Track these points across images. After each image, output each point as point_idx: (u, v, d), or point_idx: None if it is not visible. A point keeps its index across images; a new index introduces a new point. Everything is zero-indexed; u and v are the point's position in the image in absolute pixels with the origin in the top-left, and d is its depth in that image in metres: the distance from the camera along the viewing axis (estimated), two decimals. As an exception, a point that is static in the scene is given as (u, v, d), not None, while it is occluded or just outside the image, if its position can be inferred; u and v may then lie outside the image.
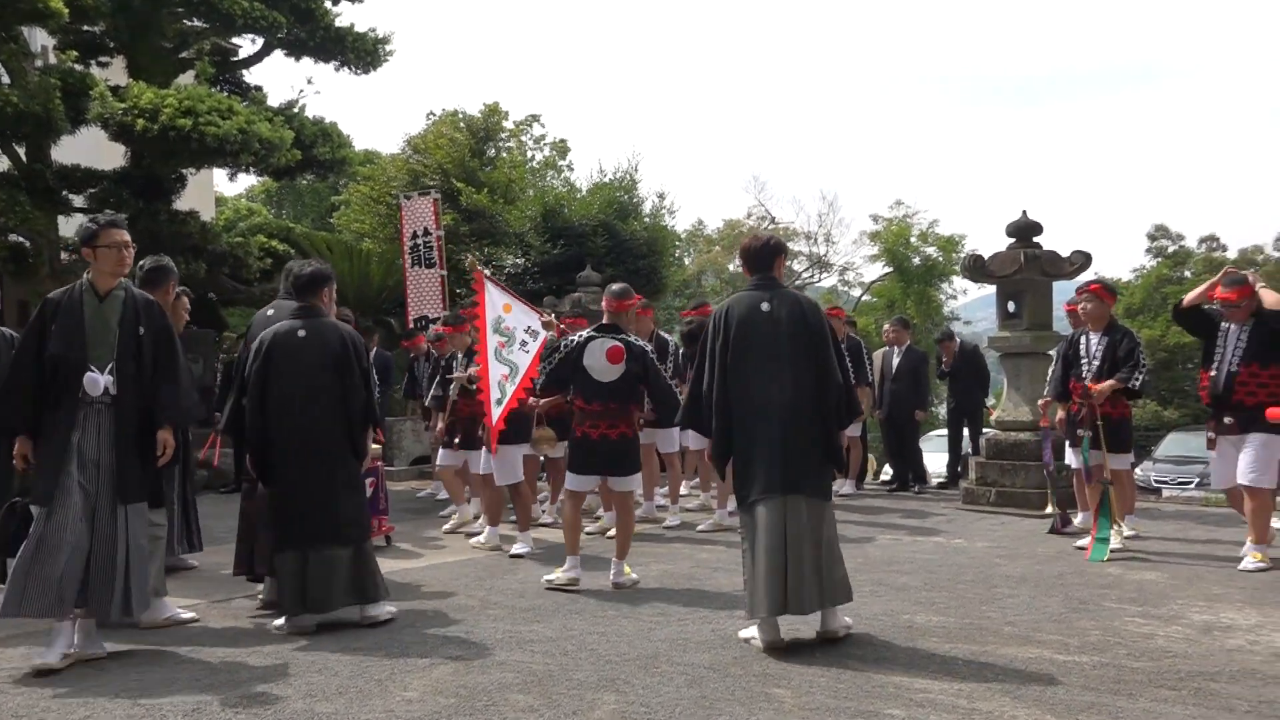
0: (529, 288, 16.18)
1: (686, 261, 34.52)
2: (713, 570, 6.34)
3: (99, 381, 4.48)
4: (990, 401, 11.52)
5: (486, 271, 7.16)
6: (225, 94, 13.18)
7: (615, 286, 6.37)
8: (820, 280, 36.02)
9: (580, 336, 6.04)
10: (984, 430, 11.10)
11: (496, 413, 6.58)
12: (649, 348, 6.02)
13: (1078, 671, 4.11)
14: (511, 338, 6.68)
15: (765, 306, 4.68)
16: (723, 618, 5.06)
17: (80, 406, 4.47)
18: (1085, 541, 7.04)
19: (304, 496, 4.95)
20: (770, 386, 4.60)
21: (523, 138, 23.79)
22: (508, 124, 21.47)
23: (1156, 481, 16.75)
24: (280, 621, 4.91)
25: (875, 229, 33.84)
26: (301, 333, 5.09)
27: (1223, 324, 6.44)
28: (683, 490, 9.15)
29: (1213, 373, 6.38)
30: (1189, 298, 6.92)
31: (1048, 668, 4.17)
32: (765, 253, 4.87)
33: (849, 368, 4.90)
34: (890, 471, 11.91)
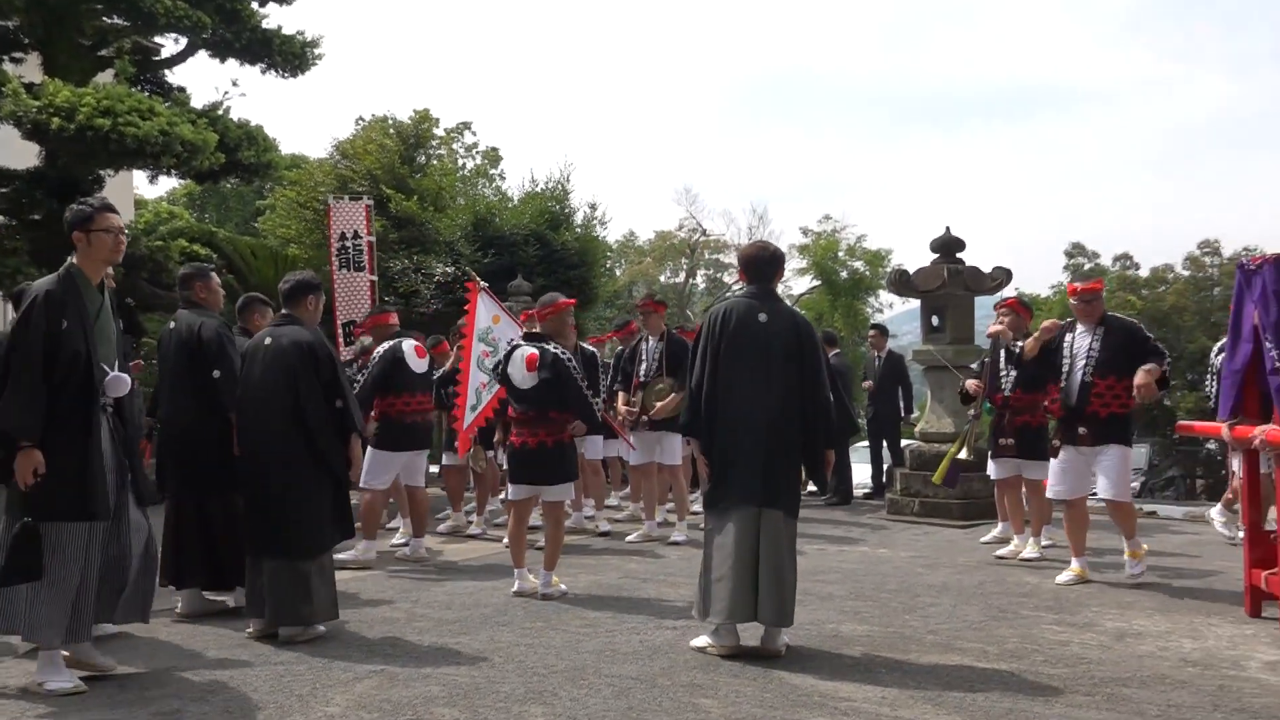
0: (458, 296, 16.01)
1: (618, 272, 34.58)
2: (642, 581, 6.35)
3: (124, 381, 4.24)
4: (915, 414, 11.72)
5: (482, 284, 7.37)
6: (146, 94, 12.80)
7: (545, 296, 6.48)
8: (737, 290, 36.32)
9: (511, 345, 6.16)
10: (902, 441, 11.31)
11: (469, 418, 7.01)
12: (564, 355, 5.95)
13: (997, 678, 4.20)
14: (496, 348, 6.94)
15: (763, 317, 4.69)
16: (651, 628, 5.07)
17: (95, 410, 4.12)
18: (1004, 551, 7.21)
19: (257, 506, 5.01)
20: (759, 397, 4.62)
21: (454, 145, 23.65)
22: (438, 131, 21.31)
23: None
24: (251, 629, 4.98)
25: (804, 242, 34.31)
26: (268, 340, 5.11)
27: (1067, 335, 6.30)
28: (612, 501, 9.14)
29: (1063, 383, 6.22)
30: (1030, 348, 6.47)
31: (968, 675, 4.25)
32: (768, 262, 4.91)
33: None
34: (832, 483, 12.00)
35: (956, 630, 5.04)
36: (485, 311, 7.17)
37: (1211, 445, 20.65)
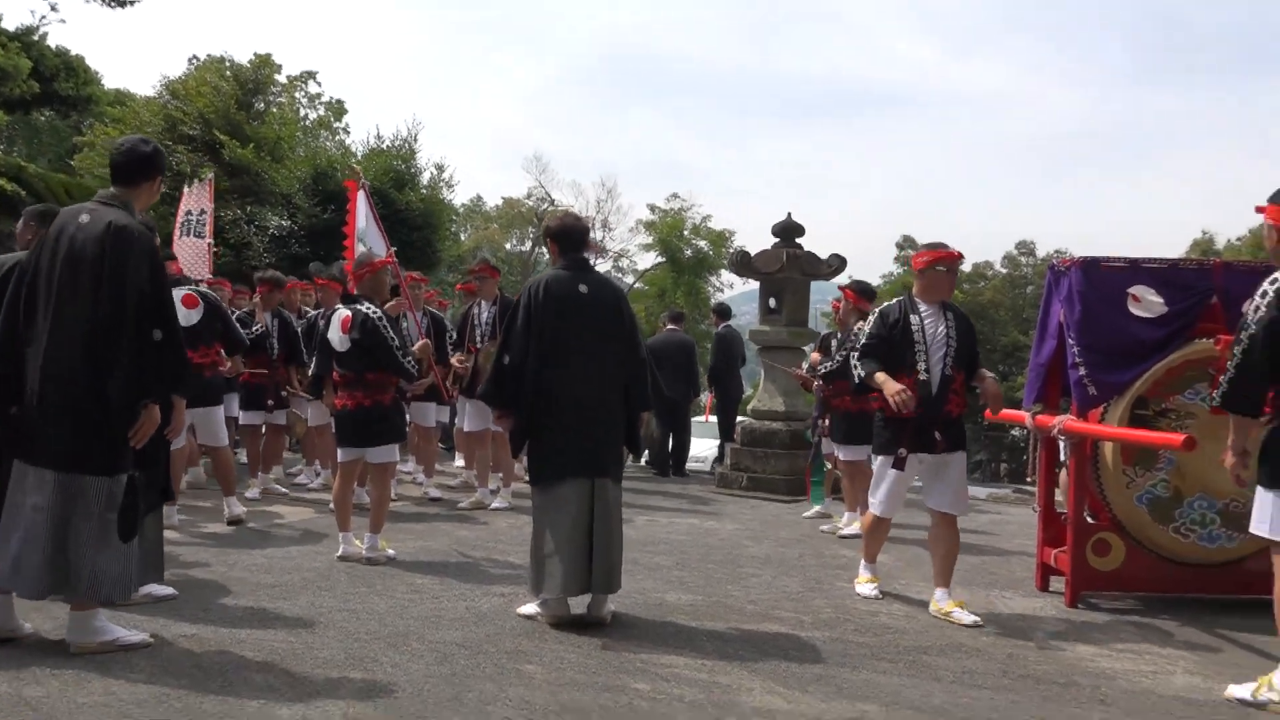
0: (294, 251, 15.45)
1: (463, 237, 34.06)
2: (471, 548, 6.31)
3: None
4: (748, 391, 12.06)
5: (364, 180, 7.37)
6: (-53, 9, 11.72)
7: (361, 255, 6.47)
8: (596, 265, 36.47)
9: (333, 310, 6.18)
10: (740, 418, 11.63)
11: None
12: (375, 315, 5.84)
13: (810, 646, 4.39)
14: (370, 253, 6.88)
15: (583, 289, 4.69)
16: (478, 595, 5.05)
17: None
18: (828, 527, 7.52)
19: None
20: (588, 369, 4.63)
21: (295, 94, 22.68)
22: (280, 78, 20.37)
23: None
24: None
25: (651, 219, 34.66)
26: (82, 219, 3.91)
27: (912, 319, 5.12)
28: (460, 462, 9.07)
29: (921, 376, 5.01)
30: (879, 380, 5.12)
31: (784, 643, 4.43)
32: (584, 233, 4.96)
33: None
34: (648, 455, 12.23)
35: (775, 600, 5.24)
36: (363, 212, 7.17)
37: (1016, 432, 22.08)
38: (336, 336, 5.90)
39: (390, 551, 5.88)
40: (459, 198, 34.83)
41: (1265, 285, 3.77)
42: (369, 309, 5.87)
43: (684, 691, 3.68)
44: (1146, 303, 5.25)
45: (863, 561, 5.57)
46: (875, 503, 5.31)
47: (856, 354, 5.31)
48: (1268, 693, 3.73)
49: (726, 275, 33.50)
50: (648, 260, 36.22)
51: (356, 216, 7.21)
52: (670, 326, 11.66)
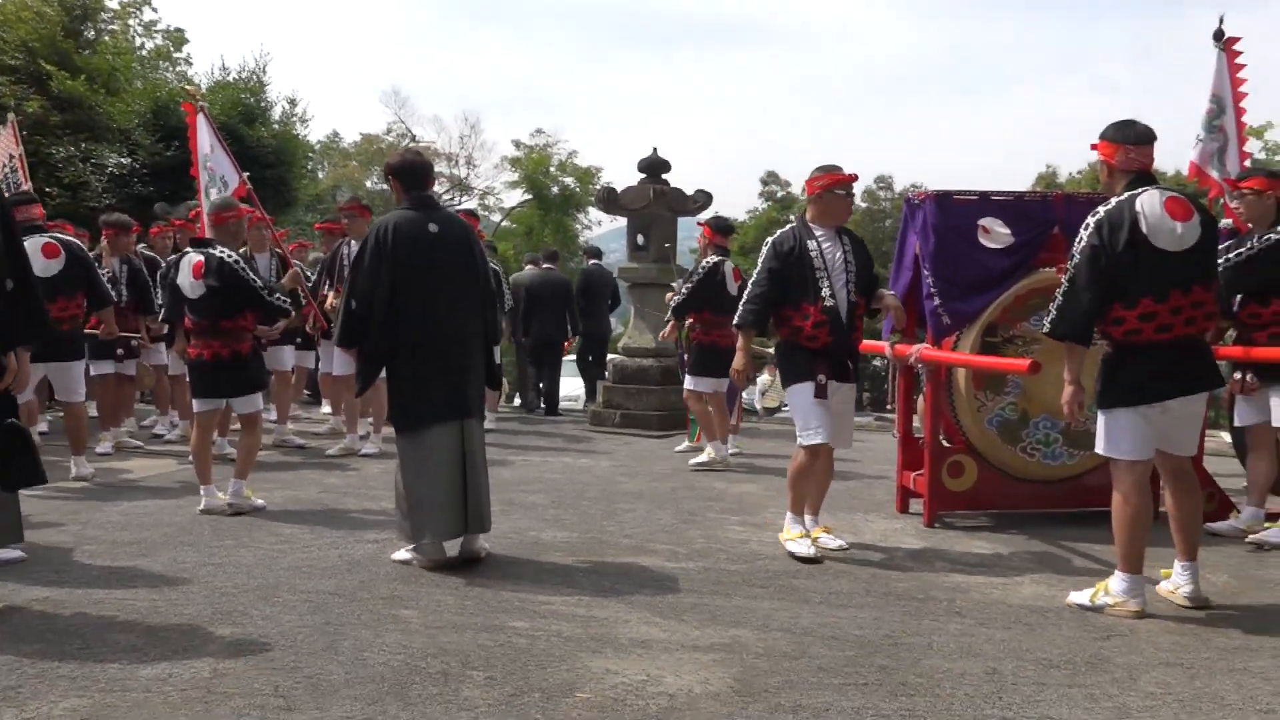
0: (137, 191, 14.59)
1: (320, 175, 32.81)
2: (341, 495, 6.19)
3: None
4: (618, 329, 12.12)
5: (201, 103, 6.94)
6: None
7: (220, 200, 6.19)
8: (460, 203, 35.75)
9: (180, 252, 6.04)
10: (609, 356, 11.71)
11: None
12: (232, 258, 5.64)
13: (684, 576, 4.50)
14: (214, 179, 6.61)
15: (433, 228, 4.57)
16: (350, 543, 4.97)
17: None
18: (698, 459, 7.67)
19: None
20: (446, 310, 4.54)
21: (130, 21, 21.22)
22: (111, 4, 19.02)
23: (749, 404, 18.57)
24: None
25: (516, 155, 34.08)
26: None
27: (810, 245, 4.87)
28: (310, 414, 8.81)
29: (828, 303, 4.78)
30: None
31: (659, 574, 4.52)
32: (428, 170, 4.83)
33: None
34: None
35: (650, 534, 5.34)
36: (205, 136, 6.76)
37: (877, 362, 22.89)
38: (188, 282, 5.65)
39: (258, 500, 5.73)
40: (314, 134, 33.47)
41: (1089, 218, 3.99)
42: (224, 252, 5.63)
43: (561, 627, 3.73)
44: (995, 234, 5.49)
45: (789, 514, 4.99)
46: (808, 434, 4.82)
47: (747, 293, 5.01)
48: (1104, 597, 4.02)
49: (595, 212, 33.37)
50: (514, 198, 35.71)
51: (199, 142, 6.76)
52: (546, 265, 11.55)
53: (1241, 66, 6.29)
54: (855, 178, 5.05)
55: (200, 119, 6.82)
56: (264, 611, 3.84)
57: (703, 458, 7.57)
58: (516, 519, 5.59)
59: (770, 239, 5.06)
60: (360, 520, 5.51)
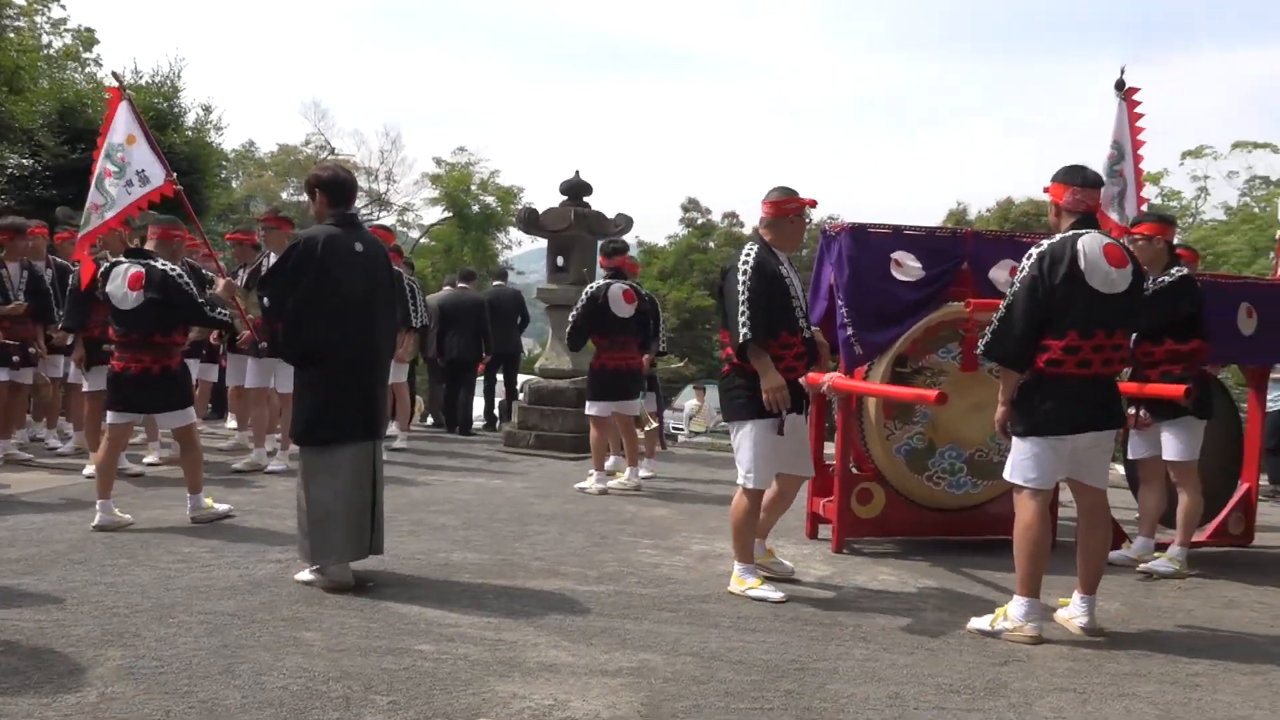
0: (39, 194, 14.06)
1: (235, 184, 32.08)
2: (245, 512, 6.01)
3: None
4: (536, 349, 12.09)
5: (129, 92, 6.50)
6: None
7: (165, 218, 6.04)
8: (379, 219, 35.30)
9: (111, 262, 5.77)
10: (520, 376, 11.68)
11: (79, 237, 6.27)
12: (175, 272, 5.64)
13: (594, 599, 4.48)
14: (123, 170, 6.18)
15: (359, 247, 4.53)
16: (252, 562, 4.83)
17: None
18: (580, 484, 7.56)
19: None
20: (365, 330, 4.52)
21: (37, 18, 20.54)
22: (18, 0, 18.37)
23: (674, 428, 18.66)
24: None
25: (437, 172, 33.83)
26: None
27: (783, 272, 4.66)
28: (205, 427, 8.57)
29: (806, 335, 4.75)
30: None
31: (569, 597, 4.49)
32: (353, 187, 4.82)
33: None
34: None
35: (561, 556, 5.30)
36: (123, 125, 6.29)
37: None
38: (122, 293, 5.53)
39: (221, 506, 5.77)
40: (229, 142, 32.79)
41: (1031, 249, 4.16)
42: (166, 265, 5.61)
43: (469, 651, 3.67)
44: (907, 268, 5.63)
45: (740, 566, 4.66)
46: (755, 476, 4.59)
47: (745, 309, 4.48)
48: (1003, 622, 4.13)
49: (515, 232, 33.24)
50: (434, 214, 35.40)
51: (113, 129, 6.20)
52: (460, 285, 11.60)
53: (1140, 115, 6.59)
54: (815, 203, 4.83)
55: (124, 106, 6.32)
56: (158, 633, 3.70)
57: (585, 484, 7.50)
58: (426, 540, 5.50)
59: (747, 260, 4.59)
60: (264, 538, 5.36)
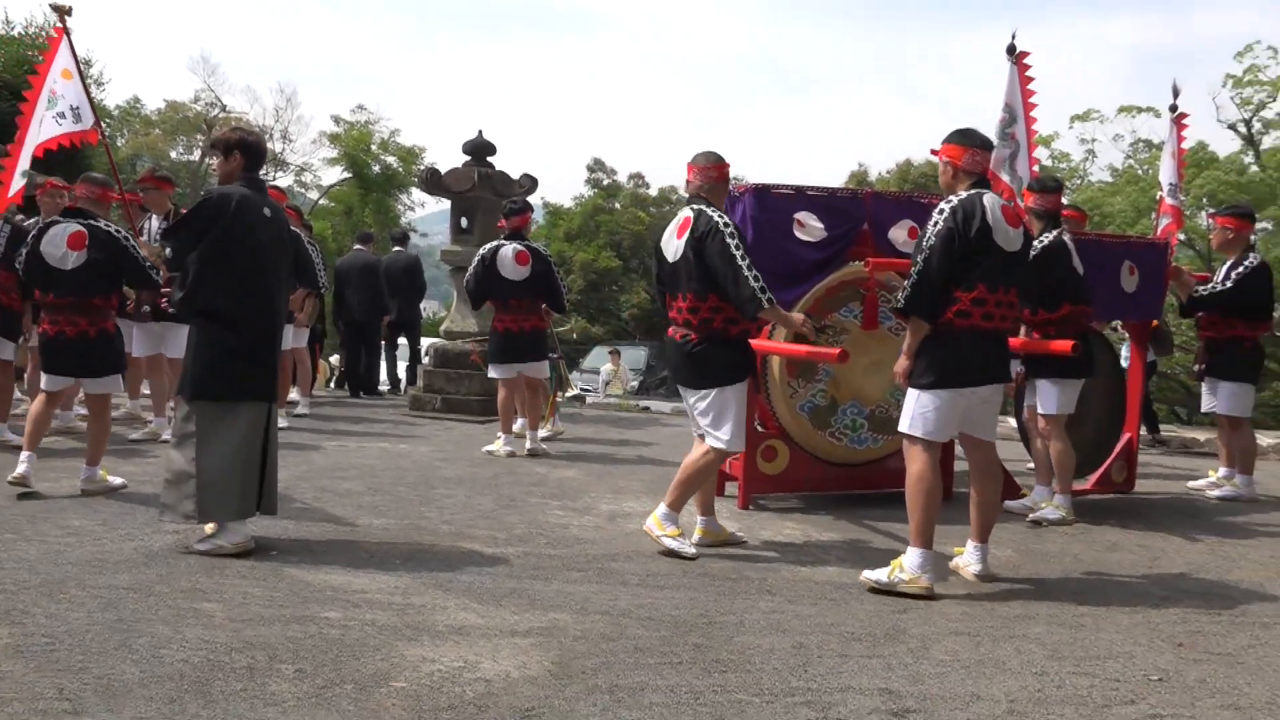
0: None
1: (119, 142, 30.67)
2: (139, 483, 5.82)
3: None
4: (441, 313, 11.96)
5: (70, 26, 6.28)
6: None
7: (98, 176, 5.90)
8: (275, 179, 34.21)
9: (47, 221, 5.68)
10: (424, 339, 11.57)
11: (25, 153, 6.16)
12: (119, 232, 5.58)
13: (504, 561, 4.48)
14: (55, 102, 6.18)
15: (267, 211, 4.55)
16: (148, 533, 4.69)
17: None
18: (488, 447, 7.54)
19: None
20: (269, 292, 4.57)
21: (-105, -37, 19.16)
22: (-128, -58, 17.18)
23: (583, 389, 18.66)
24: None
25: (336, 131, 32.89)
26: None
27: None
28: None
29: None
30: None
31: (478, 560, 4.49)
32: (264, 152, 4.82)
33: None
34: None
35: (470, 520, 5.28)
36: (64, 59, 6.23)
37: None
38: (61, 253, 5.37)
39: (115, 480, 5.60)
40: (111, 98, 31.27)
41: (942, 204, 4.25)
42: (111, 226, 5.50)
43: (376, 616, 3.64)
44: (809, 228, 5.71)
45: (666, 509, 4.72)
46: (738, 439, 4.72)
47: (751, 270, 4.52)
48: (899, 574, 4.26)
49: (418, 194, 32.61)
50: (333, 175, 34.45)
51: (55, 62, 6.15)
52: (358, 247, 11.47)
53: (1031, 79, 6.77)
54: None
55: (65, 43, 6.20)
56: (48, 609, 3.57)
57: (492, 447, 7.48)
58: (331, 505, 5.42)
59: (727, 224, 4.62)
60: (159, 510, 5.19)
